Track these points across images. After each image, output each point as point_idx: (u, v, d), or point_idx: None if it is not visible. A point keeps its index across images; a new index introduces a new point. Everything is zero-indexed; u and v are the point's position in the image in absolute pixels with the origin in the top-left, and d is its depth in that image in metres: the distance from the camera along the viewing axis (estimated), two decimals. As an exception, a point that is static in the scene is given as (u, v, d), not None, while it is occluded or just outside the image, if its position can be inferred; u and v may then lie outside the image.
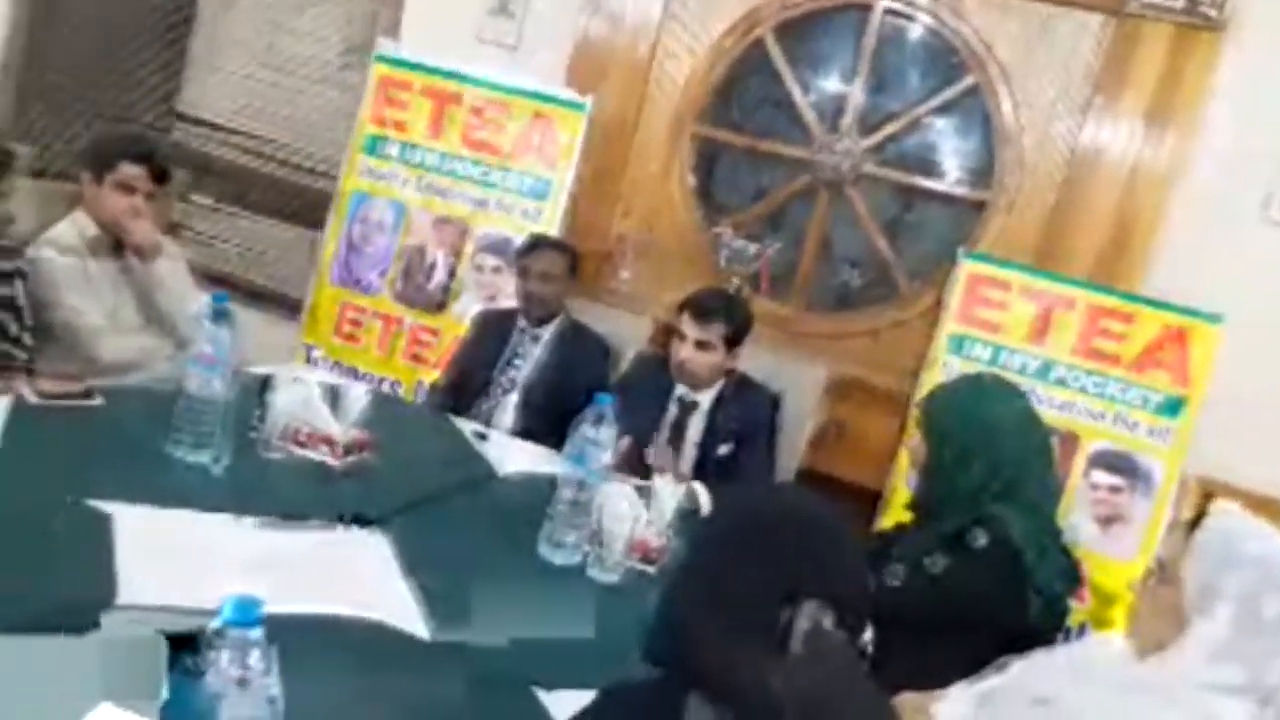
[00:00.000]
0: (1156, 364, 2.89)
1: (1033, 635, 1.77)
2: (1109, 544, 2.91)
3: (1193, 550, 1.45)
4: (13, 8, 3.96)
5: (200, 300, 2.56)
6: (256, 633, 0.90)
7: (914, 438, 2.06)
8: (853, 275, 3.59)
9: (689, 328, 2.46)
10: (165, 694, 0.98)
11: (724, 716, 0.91)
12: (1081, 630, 2.68)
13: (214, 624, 0.89)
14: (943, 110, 3.39)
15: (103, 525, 1.48)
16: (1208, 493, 2.79)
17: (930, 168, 3.45)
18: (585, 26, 3.53)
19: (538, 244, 2.94)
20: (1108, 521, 2.96)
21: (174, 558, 1.45)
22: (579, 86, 3.43)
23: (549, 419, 2.74)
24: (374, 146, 3.53)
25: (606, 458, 1.84)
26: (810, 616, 0.92)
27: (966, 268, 3.07)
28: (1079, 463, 2.94)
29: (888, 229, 3.47)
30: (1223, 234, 2.95)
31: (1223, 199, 2.97)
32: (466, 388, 2.93)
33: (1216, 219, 2.98)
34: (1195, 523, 1.49)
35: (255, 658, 0.88)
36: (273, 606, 1.29)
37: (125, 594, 1.31)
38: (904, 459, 2.91)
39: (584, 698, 1.28)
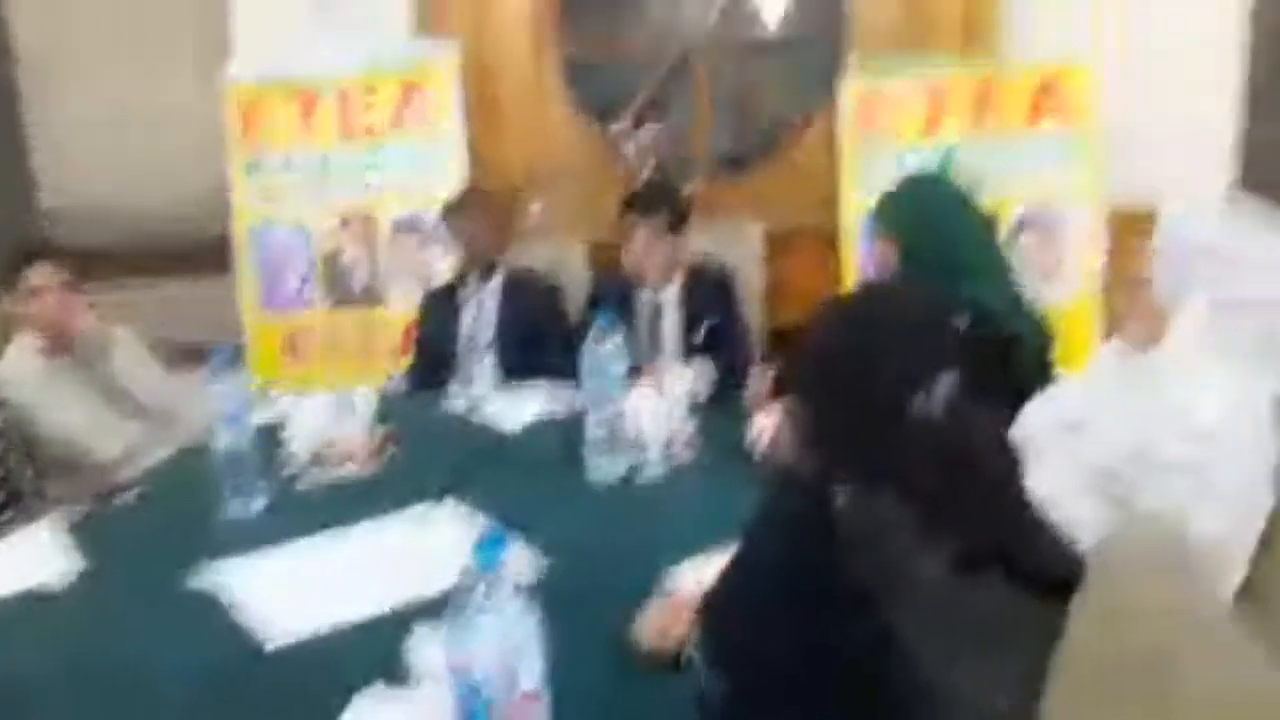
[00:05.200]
0: (1044, 115, 3.09)
1: (1031, 388, 1.95)
2: (1051, 293, 3.13)
3: (1157, 251, 1.64)
4: None
5: (160, 374, 2.61)
6: (502, 565, 1.02)
7: (877, 246, 2.16)
8: (745, 133, 3.68)
9: (635, 227, 2.55)
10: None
11: (872, 497, 1.04)
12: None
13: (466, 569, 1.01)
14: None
15: (210, 592, 1.55)
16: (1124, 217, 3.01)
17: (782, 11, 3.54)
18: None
19: (457, 202, 2.99)
20: (1045, 275, 3.19)
21: (291, 593, 1.53)
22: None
23: (524, 366, 2.84)
24: (254, 170, 3.50)
25: (623, 370, 1.95)
26: (946, 388, 1.06)
27: (850, 86, 3.22)
28: (1006, 230, 3.15)
29: (763, 78, 3.56)
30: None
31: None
32: (436, 367, 2.99)
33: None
34: (1149, 231, 1.68)
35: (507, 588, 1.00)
36: (402, 596, 1.40)
37: (271, 639, 1.40)
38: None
39: (705, 561, 1.43)
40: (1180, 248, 1.64)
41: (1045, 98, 3.09)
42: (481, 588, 1.02)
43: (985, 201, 2.18)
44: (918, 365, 1.09)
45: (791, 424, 1.19)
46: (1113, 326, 1.82)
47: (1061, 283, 3.16)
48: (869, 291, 1.60)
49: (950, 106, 3.14)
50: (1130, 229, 3.00)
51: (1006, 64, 3.14)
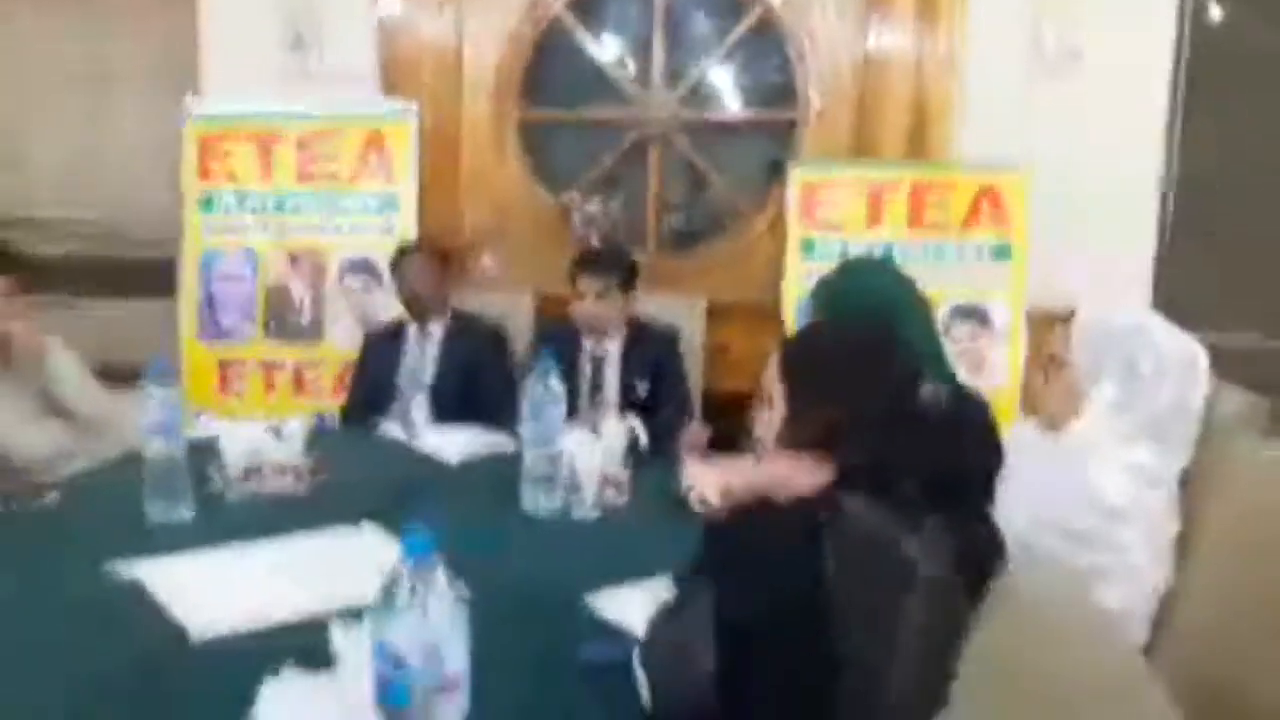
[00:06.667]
0: (980, 220, 3.27)
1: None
2: (982, 384, 3.26)
3: (1076, 337, 1.75)
4: None
5: (94, 384, 2.59)
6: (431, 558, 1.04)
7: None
8: (695, 213, 3.82)
9: (586, 284, 2.62)
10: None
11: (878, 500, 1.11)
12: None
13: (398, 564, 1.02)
14: (740, 45, 3.63)
15: (136, 585, 1.53)
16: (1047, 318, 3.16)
17: (744, 98, 3.72)
18: (386, 40, 3.59)
19: (405, 251, 3.05)
20: (975, 367, 3.32)
21: (216, 590, 1.52)
22: (397, 97, 3.52)
23: (459, 411, 2.86)
24: (210, 203, 3.53)
25: (562, 412, 1.99)
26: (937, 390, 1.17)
27: (797, 177, 3.36)
28: (939, 323, 3.28)
29: (717, 163, 3.71)
30: (1007, 98, 3.33)
31: (993, 70, 3.35)
32: (373, 404, 2.99)
33: (999, 86, 3.35)
34: (1070, 318, 1.79)
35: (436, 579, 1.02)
36: (322, 605, 1.40)
37: (195, 633, 1.38)
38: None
39: (622, 592, 1.45)
40: (1099, 337, 1.75)
41: (981, 201, 3.26)
42: (410, 577, 1.04)
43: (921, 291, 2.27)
44: (912, 357, 1.19)
45: (791, 436, 1.24)
46: (1029, 404, 1.91)
47: (987, 376, 3.29)
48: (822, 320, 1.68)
49: (890, 204, 3.30)
50: (1050, 325, 3.18)
51: (948, 168, 3.31)
